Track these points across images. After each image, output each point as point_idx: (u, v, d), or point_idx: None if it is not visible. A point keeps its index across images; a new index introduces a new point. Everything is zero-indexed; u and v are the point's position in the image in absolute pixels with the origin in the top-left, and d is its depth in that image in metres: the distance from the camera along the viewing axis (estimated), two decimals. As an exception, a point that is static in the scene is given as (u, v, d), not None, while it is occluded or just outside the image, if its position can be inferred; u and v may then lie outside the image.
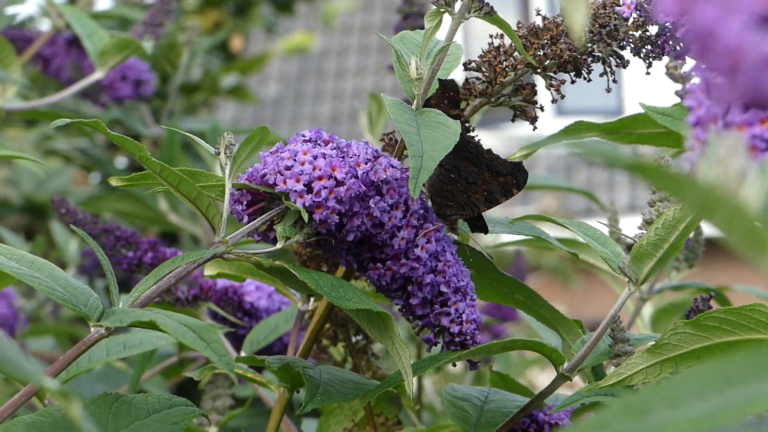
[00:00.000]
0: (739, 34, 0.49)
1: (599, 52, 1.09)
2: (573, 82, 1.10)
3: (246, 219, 1.02)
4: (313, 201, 0.98)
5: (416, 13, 1.69)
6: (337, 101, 9.87)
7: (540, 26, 1.09)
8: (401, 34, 1.10)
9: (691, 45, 0.51)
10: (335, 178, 0.99)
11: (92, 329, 0.94)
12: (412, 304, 1.04)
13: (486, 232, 1.09)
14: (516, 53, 1.10)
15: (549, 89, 1.10)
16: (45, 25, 2.48)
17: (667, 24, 1.05)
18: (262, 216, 1.01)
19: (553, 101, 1.09)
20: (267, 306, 1.39)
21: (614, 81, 1.09)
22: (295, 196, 0.99)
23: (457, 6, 1.06)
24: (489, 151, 1.07)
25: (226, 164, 1.00)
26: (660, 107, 1.09)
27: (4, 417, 0.91)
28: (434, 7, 1.05)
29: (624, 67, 1.09)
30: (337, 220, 1.00)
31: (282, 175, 0.99)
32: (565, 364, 1.07)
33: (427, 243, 1.03)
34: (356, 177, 1.00)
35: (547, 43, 1.09)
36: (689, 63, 0.93)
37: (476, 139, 1.08)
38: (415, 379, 1.09)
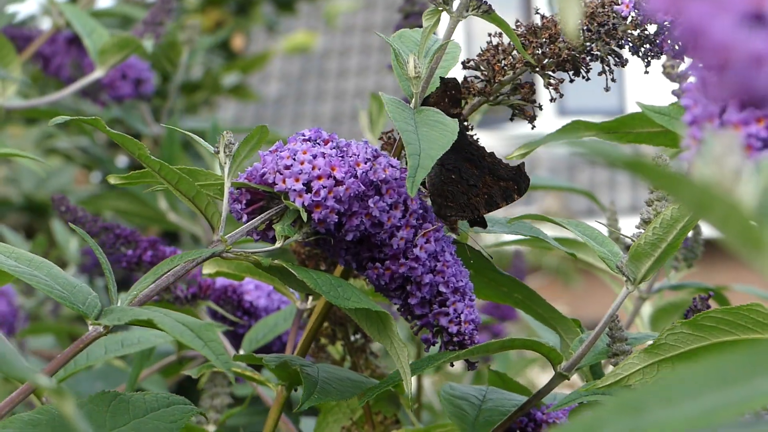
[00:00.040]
0: (728, 31, 0.49)
1: (598, 50, 1.08)
2: (572, 80, 1.10)
3: (245, 218, 1.02)
4: (312, 200, 0.98)
5: (417, 12, 1.69)
6: (338, 101, 9.86)
7: (539, 25, 1.09)
8: (400, 32, 1.10)
9: (685, 43, 0.51)
10: (334, 178, 0.99)
11: (90, 327, 0.94)
12: (411, 304, 1.04)
13: (485, 226, 1.09)
14: (515, 52, 1.10)
15: (548, 88, 1.10)
16: (45, 24, 2.48)
17: (665, 23, 1.05)
18: (261, 215, 1.01)
19: (552, 100, 1.09)
20: (266, 305, 1.39)
21: (613, 80, 1.09)
22: (294, 195, 0.99)
23: (455, 4, 1.05)
24: (491, 154, 1.07)
25: (225, 163, 1.00)
26: (657, 106, 1.09)
27: (1, 414, 0.91)
28: (433, 5, 1.05)
29: (623, 66, 1.09)
30: (336, 220, 1.00)
31: (281, 174, 0.99)
32: (563, 363, 1.07)
33: (426, 243, 1.02)
34: (355, 176, 0.99)
35: (545, 41, 1.09)
36: (687, 62, 0.93)
37: (475, 138, 1.08)
38: (414, 379, 1.09)
